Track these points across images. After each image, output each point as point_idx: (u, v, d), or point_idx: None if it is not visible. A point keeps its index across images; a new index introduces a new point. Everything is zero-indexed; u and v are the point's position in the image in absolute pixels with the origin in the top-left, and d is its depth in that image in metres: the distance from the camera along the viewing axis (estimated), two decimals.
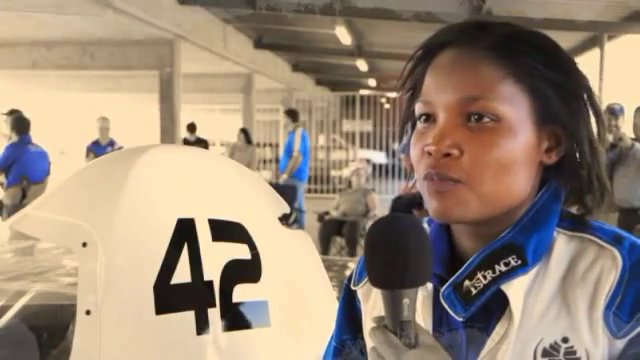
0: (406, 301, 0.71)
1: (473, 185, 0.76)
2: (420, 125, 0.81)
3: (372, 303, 0.90)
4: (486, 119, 0.76)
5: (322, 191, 14.36)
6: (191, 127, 9.54)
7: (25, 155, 6.68)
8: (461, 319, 0.78)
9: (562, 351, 0.74)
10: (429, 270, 0.73)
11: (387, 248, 0.71)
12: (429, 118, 0.80)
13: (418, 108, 0.81)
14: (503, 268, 0.77)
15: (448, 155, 0.76)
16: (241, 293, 1.23)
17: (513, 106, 0.77)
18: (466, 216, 0.78)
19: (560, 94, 0.78)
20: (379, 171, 14.68)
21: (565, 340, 0.75)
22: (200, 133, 9.69)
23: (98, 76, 12.35)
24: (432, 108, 0.79)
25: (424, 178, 0.79)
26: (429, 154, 0.77)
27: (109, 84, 13.38)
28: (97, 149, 7.88)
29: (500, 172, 0.76)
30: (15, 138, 6.72)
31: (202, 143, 9.13)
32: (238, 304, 1.22)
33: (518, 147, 0.77)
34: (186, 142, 9.01)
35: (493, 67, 0.77)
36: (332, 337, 0.97)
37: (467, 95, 0.77)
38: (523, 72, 0.77)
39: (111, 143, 8.12)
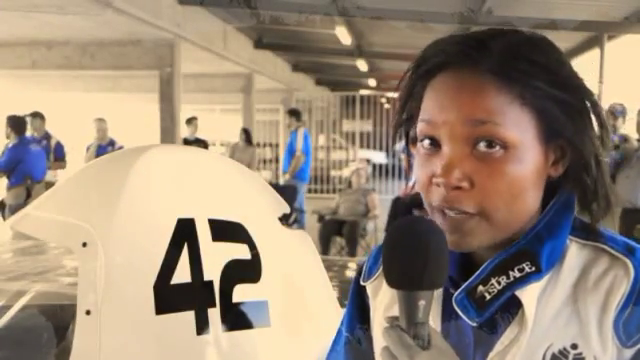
0: (422, 303, 0.71)
1: (487, 216, 0.76)
2: (424, 148, 0.79)
3: (380, 299, 0.91)
4: (495, 148, 0.75)
5: (322, 191, 14.36)
6: (190, 121, 9.39)
7: (28, 155, 6.70)
8: (475, 324, 0.79)
9: (570, 357, 0.75)
10: (446, 273, 0.73)
11: (407, 249, 0.71)
12: (434, 141, 0.78)
13: (421, 128, 0.79)
14: (517, 274, 0.77)
15: (458, 188, 0.76)
16: (241, 293, 1.23)
17: (520, 130, 0.76)
18: (482, 245, 0.78)
19: (565, 111, 0.77)
20: (379, 171, 14.67)
21: (574, 346, 0.75)
22: (200, 133, 9.66)
23: (98, 76, 12.35)
24: (436, 130, 0.78)
25: (437, 211, 0.78)
26: (438, 185, 0.77)
27: (109, 84, 13.37)
28: (97, 149, 7.86)
29: (512, 199, 0.76)
30: (15, 139, 6.73)
31: (201, 143, 9.07)
32: (238, 304, 1.22)
33: (528, 172, 0.77)
34: (185, 142, 8.97)
35: (498, 91, 0.76)
36: (341, 327, 0.97)
37: (473, 118, 0.75)
38: (528, 94, 0.76)
39: (111, 143, 8.10)
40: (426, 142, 0.79)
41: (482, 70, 0.76)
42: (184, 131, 9.36)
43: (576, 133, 0.78)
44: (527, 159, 0.76)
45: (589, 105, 0.79)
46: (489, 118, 0.75)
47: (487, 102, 0.75)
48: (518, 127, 0.76)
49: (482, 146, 0.75)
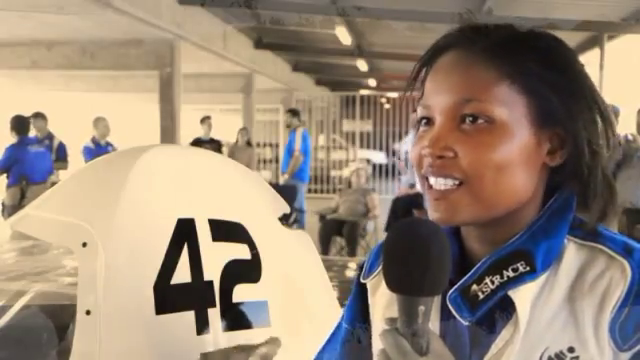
0: (421, 308, 0.70)
1: (472, 186, 0.76)
2: (420, 128, 0.82)
3: (379, 297, 0.91)
4: (480, 121, 0.76)
5: (322, 191, 14.36)
6: (203, 120, 9.35)
7: (25, 156, 6.71)
8: (467, 323, 0.78)
9: None
10: (447, 278, 0.72)
11: (408, 254, 0.69)
12: (428, 121, 0.81)
13: (418, 111, 0.82)
14: (511, 274, 0.77)
15: (442, 157, 0.77)
16: (241, 293, 1.23)
17: (508, 107, 0.77)
18: (467, 219, 0.78)
19: (558, 95, 0.77)
20: (379, 171, 14.67)
21: (571, 350, 0.74)
22: (200, 133, 9.65)
23: (98, 76, 12.35)
24: (430, 111, 0.80)
25: (423, 181, 0.80)
26: (426, 156, 0.78)
27: (109, 84, 13.38)
28: (97, 149, 7.79)
29: (498, 173, 0.76)
30: (15, 139, 6.74)
31: (215, 144, 9.05)
32: (238, 304, 1.22)
33: (515, 148, 0.76)
34: (198, 142, 8.91)
35: (488, 69, 0.77)
36: (341, 321, 0.97)
37: (461, 97, 0.77)
38: (518, 73, 0.77)
39: (109, 144, 8.05)
40: (423, 122, 0.81)
41: (476, 49, 0.79)
42: (184, 131, 9.35)
43: (569, 118, 0.77)
44: (515, 136, 0.76)
45: (587, 93, 0.79)
46: (474, 96, 0.77)
47: (473, 80, 0.77)
48: (505, 104, 0.77)
49: (468, 121, 0.77)
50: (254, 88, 13.45)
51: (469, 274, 0.79)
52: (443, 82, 0.79)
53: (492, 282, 0.77)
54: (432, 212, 0.79)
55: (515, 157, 0.76)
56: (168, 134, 8.85)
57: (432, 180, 0.78)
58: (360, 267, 0.96)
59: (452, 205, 0.77)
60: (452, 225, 0.82)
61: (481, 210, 0.77)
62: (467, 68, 0.78)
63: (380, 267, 0.90)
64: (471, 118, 0.77)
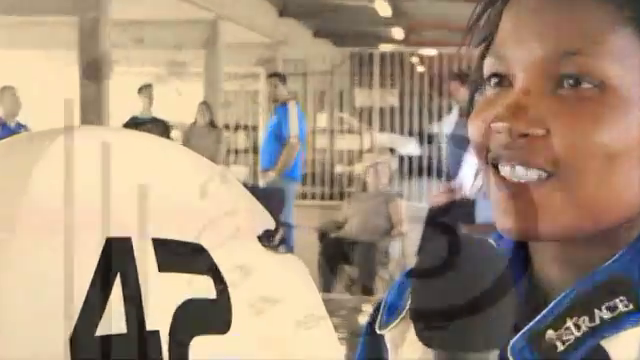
0: None
1: (568, 182, 0.77)
2: (489, 90, 0.82)
3: (406, 352, 0.91)
4: (586, 85, 0.77)
5: (322, 196, 14.41)
6: (141, 90, 9.43)
7: None
8: None
9: None
10: (510, 325, 0.72)
11: (451, 291, 0.70)
12: (503, 81, 0.80)
13: (488, 66, 0.83)
14: (606, 315, 0.77)
15: (527, 135, 0.77)
16: (202, 349, 1.23)
17: (628, 68, 0.77)
18: (556, 232, 0.78)
19: None
20: (408, 167, 14.73)
21: None
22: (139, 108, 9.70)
23: None
24: (507, 66, 0.81)
25: (489, 170, 0.80)
26: (499, 132, 0.77)
27: (9, 36, 13.43)
28: (2, 132, 7.82)
29: (607, 165, 0.76)
30: None
31: (159, 124, 9.11)
32: None
33: (634, 130, 0.77)
34: (135, 122, 8.98)
35: (601, 9, 0.77)
36: None
37: (560, 48, 0.78)
38: None
39: (19, 124, 8.10)
40: (493, 80, 0.81)
41: None
42: (116, 105, 9.38)
43: None
44: (634, 112, 0.77)
45: None
46: (581, 48, 0.77)
47: (580, 24, 0.78)
48: (624, 63, 0.77)
49: (567, 85, 0.77)
50: (220, 41, 13.48)
51: (542, 314, 0.80)
52: (532, 25, 0.79)
53: (577, 327, 0.77)
54: (503, 219, 0.80)
55: (633, 143, 0.77)
56: (91, 109, 8.88)
57: (506, 168, 0.79)
58: (373, 311, 0.97)
59: (536, 208, 0.77)
60: (531, 240, 0.82)
61: (578, 219, 0.78)
62: (570, 5, 0.78)
63: (406, 310, 0.91)
64: (572, 81, 0.77)
